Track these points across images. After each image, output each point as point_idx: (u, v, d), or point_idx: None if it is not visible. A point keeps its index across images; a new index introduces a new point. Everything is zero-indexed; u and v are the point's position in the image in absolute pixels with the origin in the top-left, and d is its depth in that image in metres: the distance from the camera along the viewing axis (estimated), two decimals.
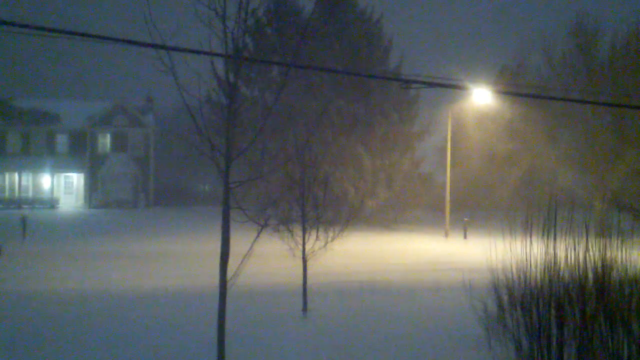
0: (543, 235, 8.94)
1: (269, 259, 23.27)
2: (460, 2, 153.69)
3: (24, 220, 33.93)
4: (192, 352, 12.27)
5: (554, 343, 8.41)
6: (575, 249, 8.73)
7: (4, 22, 8.67)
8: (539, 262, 8.79)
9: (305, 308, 15.92)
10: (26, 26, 8.87)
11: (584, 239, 8.80)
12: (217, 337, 10.24)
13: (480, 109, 46.40)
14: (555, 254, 8.76)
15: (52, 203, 58.16)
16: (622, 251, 8.76)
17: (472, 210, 52.26)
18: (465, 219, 39.25)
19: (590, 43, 41.52)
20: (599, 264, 8.57)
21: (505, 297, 8.85)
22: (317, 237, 15.75)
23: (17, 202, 57.14)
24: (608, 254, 8.67)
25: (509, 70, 48.73)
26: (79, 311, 16.08)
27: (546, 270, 8.67)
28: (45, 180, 60.30)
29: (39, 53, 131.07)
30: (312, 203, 15.87)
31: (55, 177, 60.75)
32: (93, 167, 60.63)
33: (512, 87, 40.76)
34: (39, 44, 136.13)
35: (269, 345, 12.79)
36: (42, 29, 9.02)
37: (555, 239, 8.88)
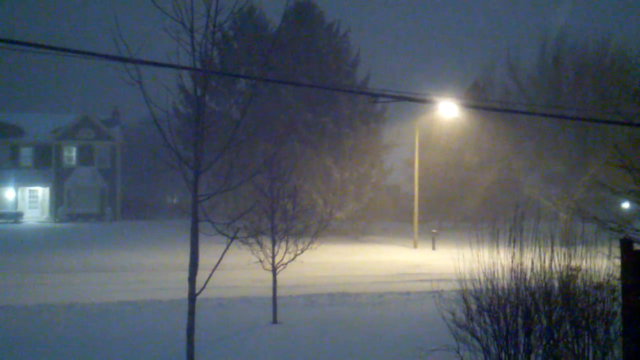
0: (510, 244, 9.09)
1: (238, 270, 23.23)
2: (429, 18, 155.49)
3: None
4: None
5: (522, 348, 8.55)
6: (541, 258, 8.89)
7: None
8: (506, 270, 8.94)
9: (275, 319, 15.91)
10: None
11: (550, 247, 8.97)
12: (186, 349, 10.19)
13: (447, 122, 46.94)
14: (521, 262, 8.91)
15: (16, 217, 57.22)
16: (586, 259, 8.95)
17: (441, 220, 52.79)
18: (434, 231, 39.60)
19: (556, 58, 42.36)
20: (564, 272, 8.75)
21: (473, 305, 8.97)
22: (286, 248, 15.80)
23: None
24: (573, 262, 8.86)
25: (477, 85, 49.48)
26: (43, 322, 15.84)
27: (513, 278, 8.81)
28: (9, 194, 59.35)
29: (2, 65, 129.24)
30: (281, 215, 15.91)
31: (20, 190, 59.83)
32: (58, 180, 59.85)
33: (478, 101, 41.37)
34: (2, 57, 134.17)
35: (240, 356, 12.74)
36: (5, 41, 8.93)
37: (521, 248, 9.04)
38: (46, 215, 60.14)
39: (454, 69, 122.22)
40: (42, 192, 60.86)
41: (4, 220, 55.99)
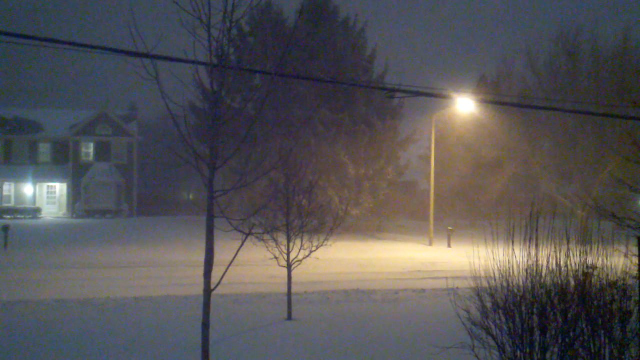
0: (525, 241, 9.03)
1: (253, 267, 23.29)
2: (445, 11, 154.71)
3: (5, 230, 33.64)
4: (177, 358, 12.24)
5: (537, 346, 8.49)
6: (556, 255, 8.83)
7: None
8: (521, 268, 8.89)
9: (289, 315, 15.94)
10: (7, 34, 8.85)
11: (565, 245, 8.90)
12: (201, 344, 10.23)
13: (463, 118, 46.70)
14: (537, 260, 8.85)
15: (34, 212, 57.67)
16: (603, 257, 8.87)
17: (456, 217, 52.57)
18: (449, 228, 39.44)
19: (573, 52, 42.03)
20: (580, 270, 8.68)
21: (488, 303, 8.93)
22: (301, 245, 15.81)
23: None
24: (589, 260, 8.78)
25: (495, 78, 49.16)
26: (59, 317, 15.98)
27: (528, 276, 8.76)
28: (28, 190, 59.83)
29: (21, 61, 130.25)
30: (296, 211, 15.93)
31: (38, 186, 60.30)
32: (76, 176, 60.23)
33: (495, 96, 41.09)
34: (21, 52, 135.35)
35: (254, 352, 12.79)
36: (24, 36, 9.00)
37: (537, 245, 8.98)
38: (64, 210, 60.55)
39: (471, 62, 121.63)
40: (59, 188, 61.29)
41: (23, 216, 56.46)
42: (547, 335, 8.49)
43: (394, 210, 50.63)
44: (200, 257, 10.43)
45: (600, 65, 41.09)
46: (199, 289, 10.84)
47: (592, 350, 8.33)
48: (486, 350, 8.92)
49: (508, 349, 8.65)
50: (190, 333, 12.70)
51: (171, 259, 30.07)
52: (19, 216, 56.14)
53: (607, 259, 8.86)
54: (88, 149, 61.66)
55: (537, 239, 8.97)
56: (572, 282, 8.65)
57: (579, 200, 39.70)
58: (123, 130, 62.11)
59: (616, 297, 8.47)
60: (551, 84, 41.95)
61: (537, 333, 8.53)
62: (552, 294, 8.60)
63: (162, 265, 27.59)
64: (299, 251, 15.76)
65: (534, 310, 8.59)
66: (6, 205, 58.50)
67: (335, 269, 26.38)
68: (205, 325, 10.20)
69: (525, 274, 8.78)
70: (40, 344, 13.38)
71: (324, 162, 42.74)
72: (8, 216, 55.05)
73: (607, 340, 8.35)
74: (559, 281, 8.64)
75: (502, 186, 50.50)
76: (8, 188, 59.70)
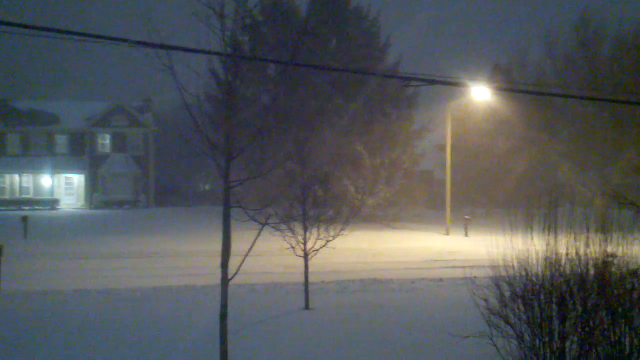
0: (544, 230, 8.95)
1: (270, 257, 23.31)
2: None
3: (25, 221, 33.94)
4: (196, 348, 12.29)
5: (556, 336, 8.43)
6: (576, 244, 8.76)
7: (2, 23, 8.67)
8: (540, 257, 8.82)
9: (307, 305, 15.95)
10: (24, 26, 8.88)
11: (585, 234, 8.82)
12: (219, 334, 10.25)
13: (480, 106, 46.34)
14: (556, 249, 8.78)
15: (52, 204, 58.19)
16: (622, 246, 8.79)
17: (473, 207, 52.29)
18: (467, 217, 39.22)
19: (593, 39, 41.57)
20: (600, 258, 8.60)
21: (506, 292, 8.87)
22: (318, 235, 15.79)
23: (17, 203, 57.18)
24: (609, 249, 8.70)
25: (511, 66, 48.73)
26: (80, 308, 16.09)
27: (547, 265, 8.69)
28: (46, 181, 60.33)
29: (37, 54, 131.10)
30: (312, 202, 15.90)
31: (56, 177, 60.78)
32: (93, 167, 60.65)
33: (512, 84, 40.79)
34: (37, 45, 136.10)
35: (272, 342, 12.82)
36: (40, 29, 9.03)
37: (556, 234, 8.90)
38: (82, 202, 61.02)
39: (488, 50, 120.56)
40: (77, 179, 61.74)
41: (41, 207, 56.97)
42: (567, 325, 8.42)
43: (411, 200, 50.43)
44: (218, 247, 10.44)
45: (619, 52, 40.60)
46: (216, 279, 10.87)
47: (613, 340, 8.26)
48: (505, 340, 8.87)
49: (527, 338, 8.60)
50: (208, 323, 12.74)
51: (189, 249, 30.19)
52: (37, 207, 56.67)
53: (627, 247, 8.77)
54: (105, 141, 62.06)
55: (556, 228, 8.89)
56: (592, 271, 8.58)
57: (598, 188, 39.36)
58: (139, 121, 62.40)
59: (637, 286, 8.40)
60: (569, 71, 41.52)
61: (556, 322, 8.48)
62: (572, 283, 8.53)
63: (180, 256, 27.72)
64: (316, 241, 15.74)
65: (554, 299, 8.53)
66: (25, 196, 59.09)
67: (352, 259, 26.35)
68: (224, 315, 10.23)
69: (544, 263, 8.72)
70: (60, 334, 13.48)
71: (339, 152, 42.67)
72: (27, 207, 55.58)
73: (627, 330, 8.27)
74: (579, 270, 8.57)
75: (520, 175, 50.11)
76: (27, 180, 60.26)
